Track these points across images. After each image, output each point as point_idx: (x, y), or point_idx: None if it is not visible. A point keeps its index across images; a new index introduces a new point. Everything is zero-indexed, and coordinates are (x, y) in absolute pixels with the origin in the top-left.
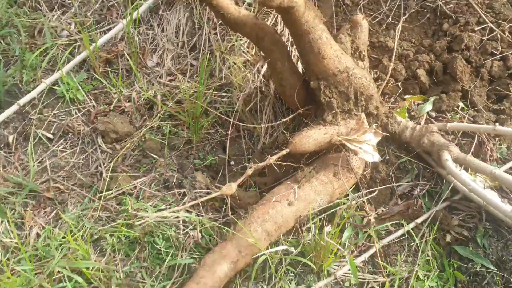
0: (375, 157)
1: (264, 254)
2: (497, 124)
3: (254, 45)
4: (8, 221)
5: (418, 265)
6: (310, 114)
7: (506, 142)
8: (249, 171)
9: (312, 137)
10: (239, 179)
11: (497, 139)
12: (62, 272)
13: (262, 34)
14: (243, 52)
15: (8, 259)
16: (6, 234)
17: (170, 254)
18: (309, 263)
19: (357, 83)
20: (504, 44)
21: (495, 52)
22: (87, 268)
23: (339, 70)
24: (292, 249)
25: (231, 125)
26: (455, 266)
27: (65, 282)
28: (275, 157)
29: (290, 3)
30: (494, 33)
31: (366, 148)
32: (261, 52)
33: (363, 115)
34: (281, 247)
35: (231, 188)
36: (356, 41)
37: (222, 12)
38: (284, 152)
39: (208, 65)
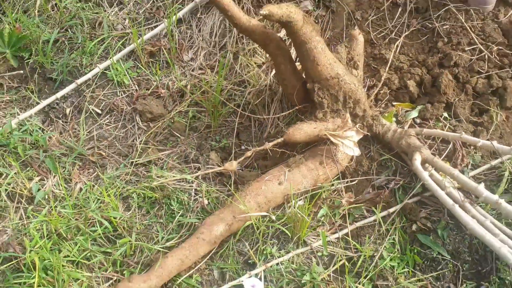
0: (356, 151)
1: (250, 219)
2: (463, 132)
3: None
4: (59, 176)
5: (385, 247)
6: (307, 110)
7: (481, 151)
8: (248, 153)
9: (303, 130)
10: (240, 159)
11: (472, 147)
12: (95, 218)
13: (268, 40)
14: (258, 54)
15: (56, 205)
16: (57, 186)
17: (181, 214)
18: (287, 232)
19: (346, 88)
20: (491, 64)
21: (482, 71)
22: (115, 218)
23: (331, 76)
24: (274, 217)
25: (238, 115)
26: (416, 251)
27: (97, 226)
28: (271, 144)
29: (288, 18)
30: (483, 54)
31: (348, 143)
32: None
33: (348, 115)
34: (263, 213)
35: (232, 164)
36: (351, 52)
37: (235, 22)
38: (279, 140)
39: (228, 64)
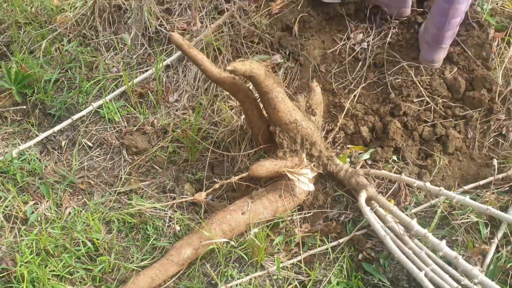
0: (310, 187)
1: (214, 244)
2: (403, 174)
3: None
4: (51, 201)
5: (333, 273)
6: (271, 149)
7: (423, 191)
8: (216, 185)
9: (265, 166)
10: (209, 190)
11: (416, 188)
12: (80, 239)
13: (237, 89)
14: (232, 99)
15: (47, 226)
16: (49, 210)
17: (155, 238)
18: (245, 256)
19: (303, 131)
20: (436, 114)
21: (428, 120)
22: (98, 239)
23: (290, 121)
24: (235, 243)
25: (213, 151)
26: (360, 277)
27: (81, 246)
28: (236, 178)
29: (251, 73)
30: (429, 105)
31: (303, 180)
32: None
33: (304, 155)
34: (226, 240)
35: (201, 195)
36: (309, 101)
37: (208, 74)
38: (243, 175)
39: (207, 105)
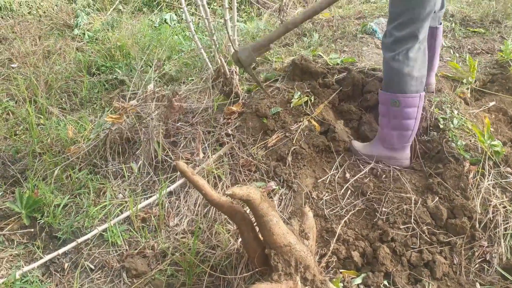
0: None
1: None
2: None
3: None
4: None
5: None
6: (266, 272)
7: None
8: None
9: None
10: None
11: None
12: None
13: (234, 213)
14: (230, 224)
15: None
16: None
17: None
18: None
19: (297, 254)
20: (422, 241)
21: (415, 246)
22: None
23: (284, 244)
24: None
25: (210, 274)
26: None
27: None
28: None
29: (248, 197)
30: (415, 231)
31: None
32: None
33: (298, 278)
34: None
35: None
36: (302, 225)
37: (208, 198)
38: None
39: (206, 229)
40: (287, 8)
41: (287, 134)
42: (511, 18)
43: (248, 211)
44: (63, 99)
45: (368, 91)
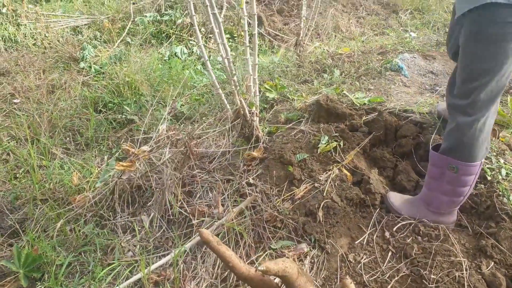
0: None
1: None
2: None
3: None
4: None
5: None
6: None
7: None
8: None
9: None
10: None
11: None
12: None
13: (265, 286)
14: None
15: None
16: None
17: None
18: None
19: None
20: None
21: None
22: None
23: None
24: None
25: None
26: None
27: None
28: None
29: (284, 273)
30: None
31: None
32: None
33: None
34: None
35: None
36: None
37: (236, 271)
38: None
39: None
40: (303, 42)
41: (315, 184)
42: None
43: (281, 286)
44: (67, 138)
45: (402, 136)
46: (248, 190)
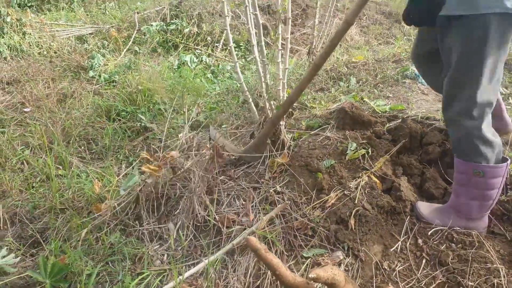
0: None
1: None
2: None
3: None
4: None
5: None
6: None
7: None
8: None
9: None
10: None
11: None
12: None
13: None
14: None
15: None
16: None
17: None
18: None
19: None
20: None
21: None
22: None
23: None
24: None
25: None
26: None
27: None
28: None
29: (333, 280)
30: None
31: None
32: None
33: None
34: None
35: None
36: None
37: (282, 279)
38: None
39: None
40: (316, 51)
41: (345, 192)
42: None
43: None
44: (82, 147)
45: (428, 143)
46: (276, 197)
